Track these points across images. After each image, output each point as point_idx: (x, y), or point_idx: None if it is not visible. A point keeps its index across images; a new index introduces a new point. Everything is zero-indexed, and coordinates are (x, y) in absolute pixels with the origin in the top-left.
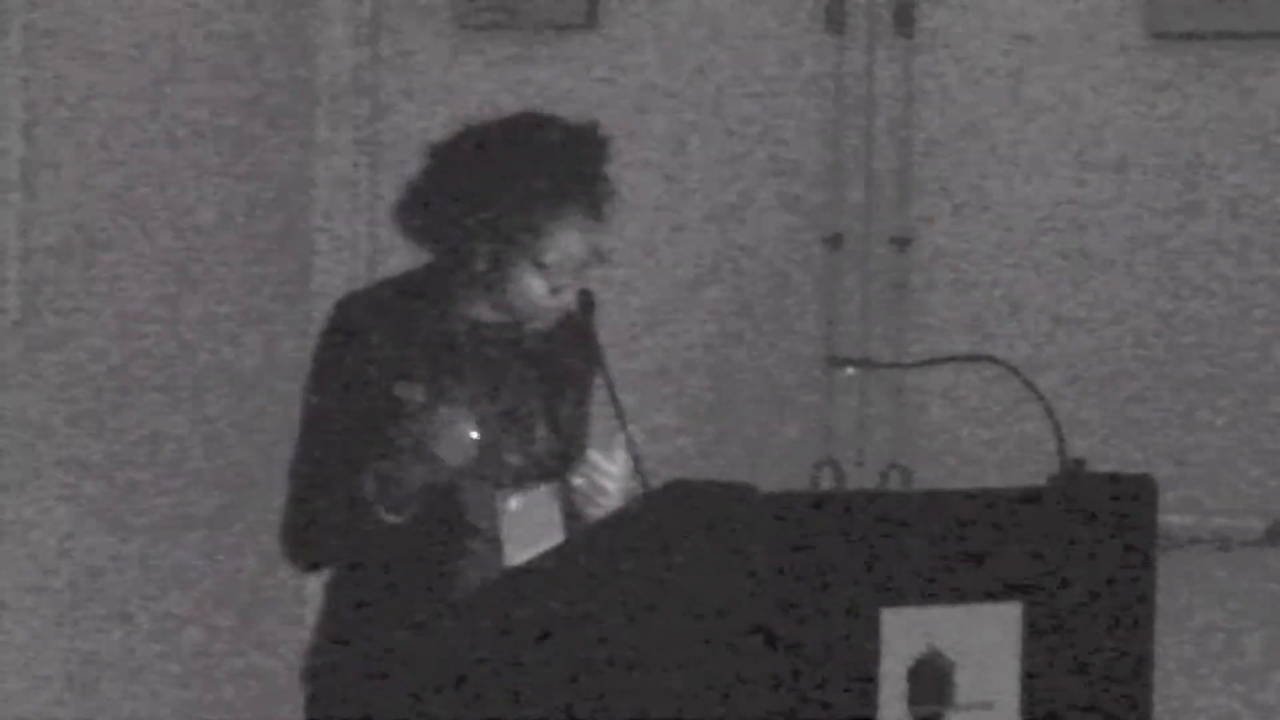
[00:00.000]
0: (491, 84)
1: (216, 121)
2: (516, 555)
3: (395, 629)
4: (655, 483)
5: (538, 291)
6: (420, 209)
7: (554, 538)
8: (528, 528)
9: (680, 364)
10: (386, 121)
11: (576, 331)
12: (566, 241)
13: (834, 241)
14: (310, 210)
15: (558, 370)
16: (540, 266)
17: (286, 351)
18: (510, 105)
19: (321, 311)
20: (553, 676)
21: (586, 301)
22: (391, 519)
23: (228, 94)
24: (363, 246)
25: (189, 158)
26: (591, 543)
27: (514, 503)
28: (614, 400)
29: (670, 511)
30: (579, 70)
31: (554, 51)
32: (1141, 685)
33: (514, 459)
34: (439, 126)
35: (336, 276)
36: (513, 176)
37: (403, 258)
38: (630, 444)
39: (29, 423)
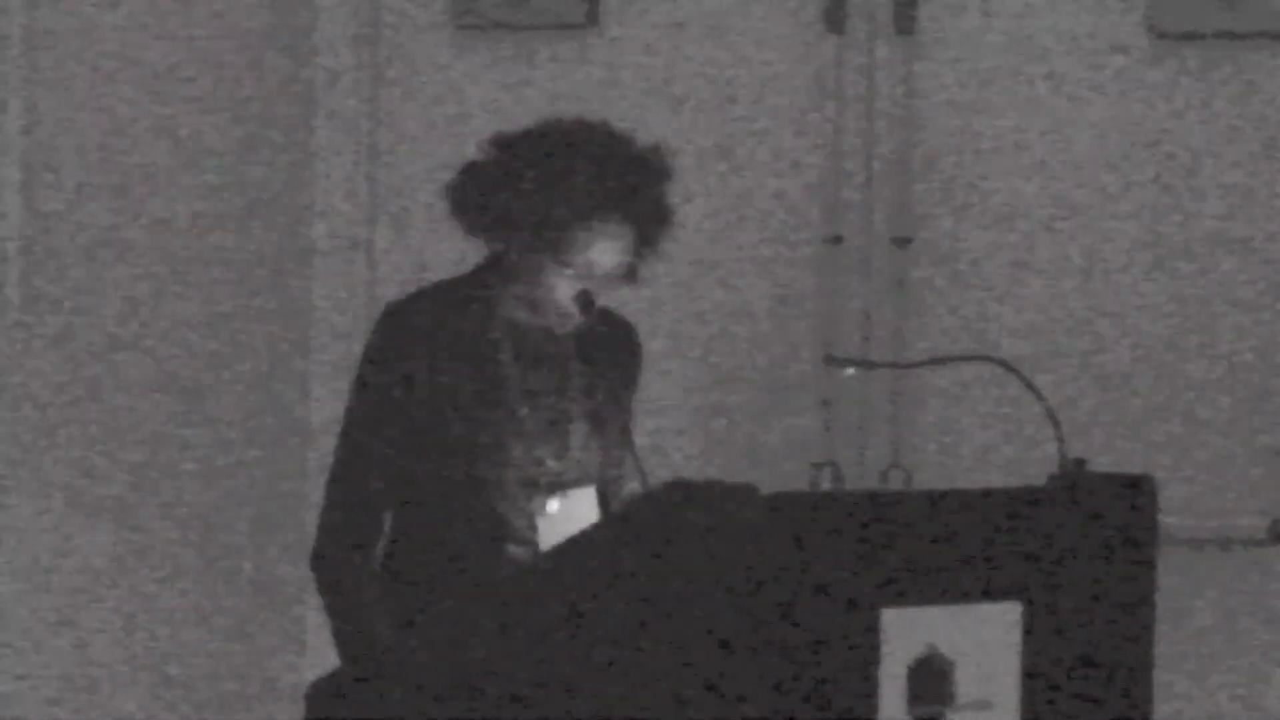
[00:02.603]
0: (491, 84)
1: (216, 122)
2: None
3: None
4: (655, 483)
5: (561, 293)
6: (470, 189)
7: None
8: (566, 532)
9: (680, 364)
10: (386, 121)
11: (620, 338)
12: (594, 248)
13: (834, 241)
14: (310, 210)
15: (599, 376)
16: (563, 265)
17: (286, 351)
18: (510, 105)
19: (321, 312)
20: (553, 676)
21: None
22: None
23: (228, 94)
24: (363, 246)
25: (189, 158)
26: (592, 543)
27: (552, 506)
28: (623, 389)
29: (670, 511)
30: (579, 70)
31: (554, 51)
32: (1141, 685)
33: (552, 463)
34: (439, 126)
35: (336, 276)
36: (555, 176)
37: (404, 257)
38: (630, 443)
39: (29, 422)
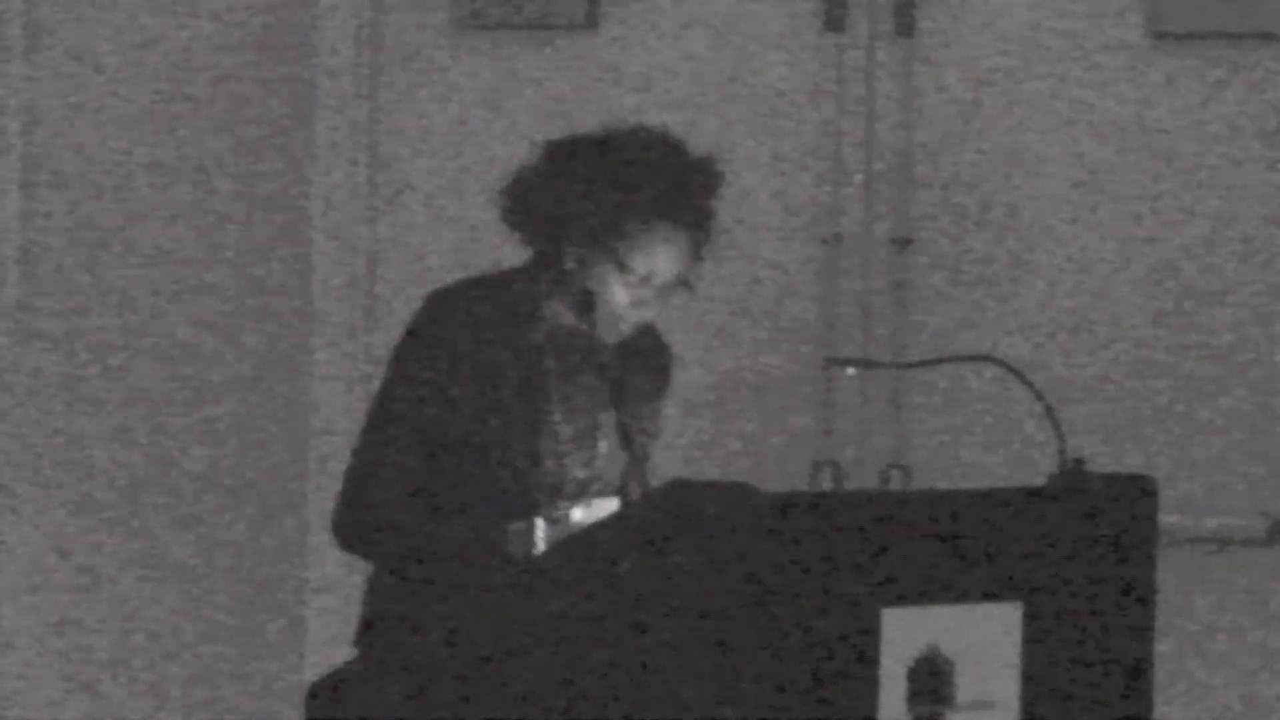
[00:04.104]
0: (491, 84)
1: (216, 121)
2: None
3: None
4: (655, 483)
5: (619, 299)
6: (525, 198)
7: None
8: None
9: (680, 364)
10: (386, 121)
11: (654, 352)
12: (658, 255)
13: (834, 241)
14: (310, 210)
15: (630, 386)
16: (625, 272)
17: (286, 351)
18: (510, 105)
19: (321, 312)
20: (553, 676)
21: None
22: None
23: (228, 94)
24: (363, 246)
25: (189, 157)
26: (592, 543)
27: (575, 514)
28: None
29: (670, 511)
30: (579, 70)
31: (554, 51)
32: (1141, 685)
33: (579, 472)
34: (439, 126)
35: (336, 276)
36: (619, 181)
37: (404, 257)
38: (630, 442)
39: (29, 423)
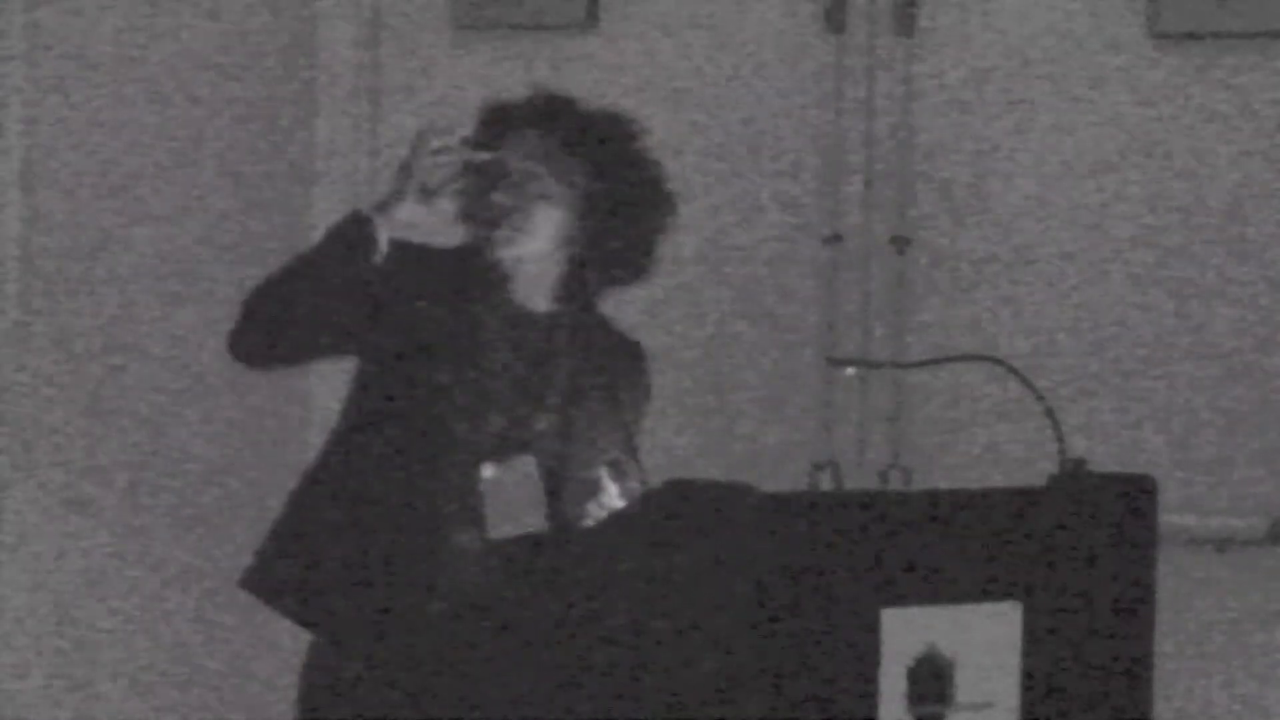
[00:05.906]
0: (491, 84)
1: (216, 121)
2: (498, 528)
3: (377, 620)
4: (655, 483)
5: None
6: None
7: (535, 514)
8: (508, 500)
9: (680, 364)
10: (386, 121)
11: (623, 353)
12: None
13: (834, 241)
14: (310, 210)
15: (586, 376)
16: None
17: None
18: None
19: None
20: (553, 676)
21: (570, 293)
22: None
23: (228, 94)
24: None
25: (189, 158)
26: (592, 542)
27: (488, 470)
28: (615, 399)
29: (670, 511)
30: (579, 70)
31: (554, 51)
32: (1141, 685)
33: (506, 428)
34: (439, 126)
35: None
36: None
37: None
38: (630, 442)
39: (29, 423)
